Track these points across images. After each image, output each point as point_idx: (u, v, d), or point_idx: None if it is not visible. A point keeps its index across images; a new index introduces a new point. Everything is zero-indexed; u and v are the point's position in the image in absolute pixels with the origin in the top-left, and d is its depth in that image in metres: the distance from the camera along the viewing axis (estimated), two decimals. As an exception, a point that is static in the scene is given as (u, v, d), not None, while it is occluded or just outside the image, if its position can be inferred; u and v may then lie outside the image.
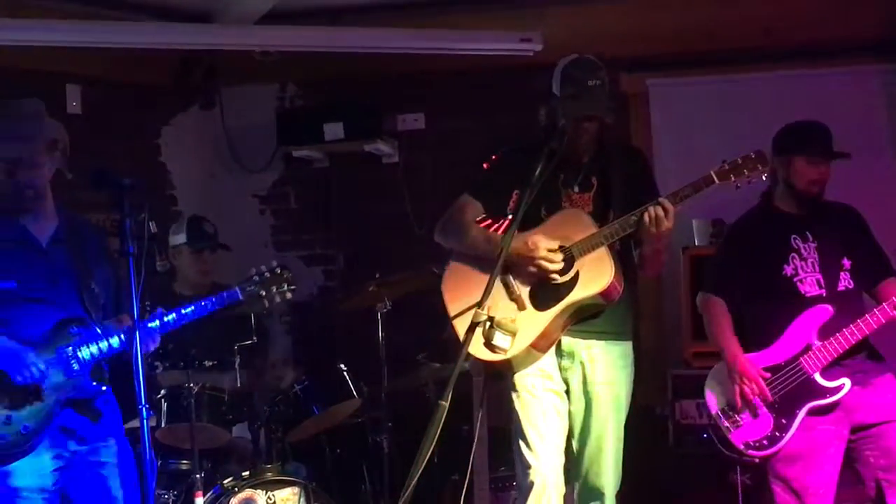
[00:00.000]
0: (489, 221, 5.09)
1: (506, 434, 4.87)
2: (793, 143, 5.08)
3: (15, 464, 4.24)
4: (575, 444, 4.76)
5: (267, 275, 4.61)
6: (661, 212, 4.47)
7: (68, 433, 4.36)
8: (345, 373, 6.21)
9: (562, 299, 4.62)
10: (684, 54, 7.05)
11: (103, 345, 4.33)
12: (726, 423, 5.07)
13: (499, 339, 4.32)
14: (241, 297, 4.55)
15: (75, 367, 4.32)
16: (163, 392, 5.68)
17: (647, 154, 6.81)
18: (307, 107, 7.74)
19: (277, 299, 4.63)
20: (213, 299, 4.52)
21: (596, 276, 4.60)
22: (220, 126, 7.84)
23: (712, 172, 4.55)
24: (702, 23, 6.74)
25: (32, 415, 4.26)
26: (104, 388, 4.38)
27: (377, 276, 6.27)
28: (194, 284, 6.21)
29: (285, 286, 4.62)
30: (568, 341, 4.72)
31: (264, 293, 4.59)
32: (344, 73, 7.45)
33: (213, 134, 7.87)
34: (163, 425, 5.65)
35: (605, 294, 4.61)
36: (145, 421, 4.04)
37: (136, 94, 7.23)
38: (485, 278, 4.43)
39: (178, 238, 6.36)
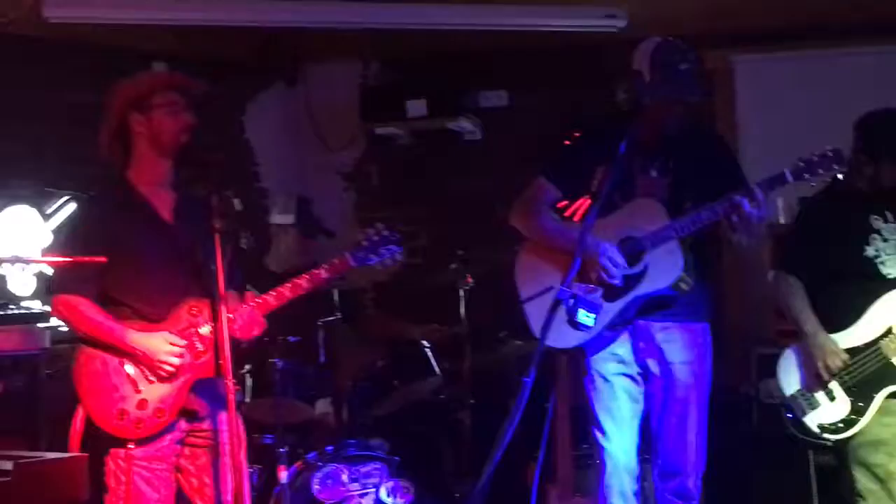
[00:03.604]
0: (566, 203, 5.07)
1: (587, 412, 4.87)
2: (885, 148, 4.89)
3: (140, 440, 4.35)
4: (655, 424, 4.74)
5: (375, 238, 4.59)
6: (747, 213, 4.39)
7: (188, 414, 4.44)
8: (427, 350, 6.23)
9: (629, 292, 4.59)
10: (771, 30, 6.94)
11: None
12: (802, 405, 5.01)
13: (582, 316, 4.30)
14: (352, 263, 4.53)
15: (201, 347, 4.40)
16: (247, 367, 5.74)
17: (731, 136, 6.79)
18: (390, 84, 7.74)
19: (389, 262, 4.60)
20: (326, 268, 4.53)
21: (665, 270, 4.55)
22: (303, 103, 7.88)
23: (786, 171, 4.45)
24: (789, -3, 6.63)
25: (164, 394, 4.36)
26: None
27: (460, 253, 6.27)
28: (291, 263, 6.21)
29: (394, 247, 4.60)
30: (644, 324, 4.68)
31: (374, 256, 4.57)
32: (427, 50, 7.45)
33: (297, 111, 7.91)
34: (247, 400, 5.72)
35: (673, 288, 4.57)
36: (232, 395, 4.10)
37: (221, 71, 7.27)
38: (558, 262, 4.41)
39: (286, 218, 6.38)
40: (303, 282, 4.49)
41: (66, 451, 4.64)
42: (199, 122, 4.46)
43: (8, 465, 3.55)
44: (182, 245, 4.39)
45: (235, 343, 4.32)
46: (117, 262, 4.34)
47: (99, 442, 4.37)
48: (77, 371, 4.39)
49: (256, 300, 4.45)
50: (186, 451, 4.48)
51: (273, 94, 7.87)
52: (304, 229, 6.43)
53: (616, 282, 4.54)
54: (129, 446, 4.32)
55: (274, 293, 4.46)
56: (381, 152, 7.85)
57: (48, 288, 4.78)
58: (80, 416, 4.46)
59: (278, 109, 7.88)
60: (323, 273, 4.51)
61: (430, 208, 7.71)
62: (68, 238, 4.70)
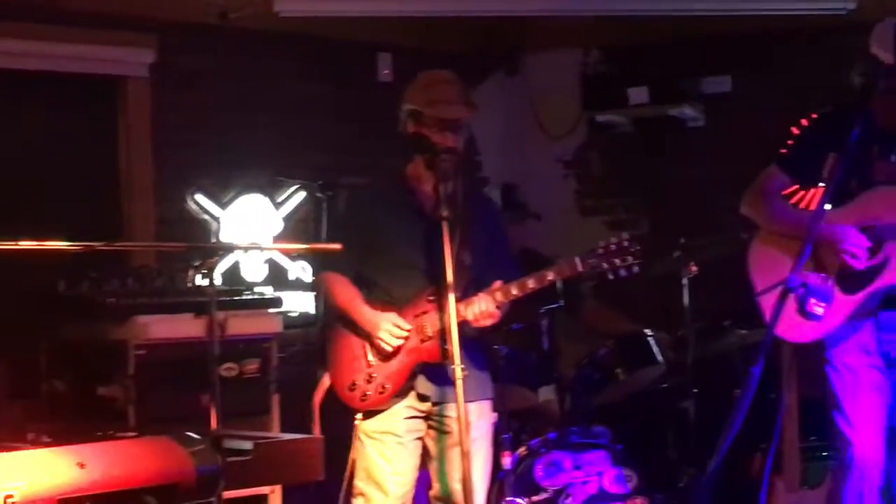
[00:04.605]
0: (796, 188, 4.96)
1: (816, 403, 4.76)
2: None
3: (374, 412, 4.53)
4: (898, 418, 4.60)
5: (612, 247, 4.44)
6: None
7: (419, 396, 4.56)
8: (650, 338, 6.20)
9: (870, 284, 4.46)
10: None
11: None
12: None
13: (813, 305, 4.20)
14: (581, 269, 4.48)
15: (429, 332, 4.50)
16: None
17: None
18: (611, 71, 7.71)
19: (623, 273, 4.42)
20: (555, 271, 4.46)
21: None
22: (524, 92, 7.92)
23: None
24: None
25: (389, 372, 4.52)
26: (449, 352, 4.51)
27: (682, 241, 6.21)
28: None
29: (630, 259, 4.42)
30: (889, 314, 4.52)
31: (606, 266, 4.45)
32: (648, 36, 7.40)
33: (518, 100, 7.96)
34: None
35: None
36: (459, 381, 4.17)
37: (443, 61, 7.32)
38: (795, 252, 4.31)
39: None
40: (530, 282, 4.51)
41: (298, 430, 4.85)
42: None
43: (248, 445, 3.70)
44: (439, 236, 4.45)
45: (464, 329, 4.38)
46: (376, 246, 4.56)
47: (335, 409, 4.64)
48: (329, 340, 4.68)
49: (494, 293, 4.50)
50: (432, 433, 4.62)
51: (493, 83, 7.92)
52: (512, 216, 6.49)
53: (862, 266, 4.42)
54: (358, 416, 4.54)
55: (501, 290, 4.50)
56: (602, 140, 7.83)
57: (315, 265, 5.00)
58: (323, 383, 4.68)
59: (499, 99, 7.92)
60: (550, 275, 4.51)
61: (651, 196, 7.65)
62: (336, 220, 4.93)
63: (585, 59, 7.84)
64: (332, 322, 4.75)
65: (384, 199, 4.69)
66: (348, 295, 4.61)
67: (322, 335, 4.86)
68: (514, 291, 4.48)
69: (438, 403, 4.56)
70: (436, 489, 4.67)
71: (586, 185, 7.95)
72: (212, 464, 3.26)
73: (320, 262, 4.86)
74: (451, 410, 4.53)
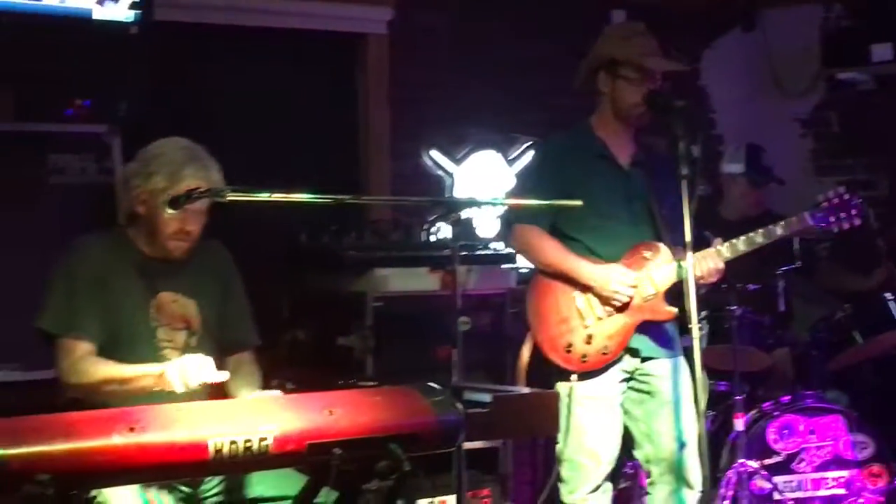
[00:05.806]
0: None
1: None
2: None
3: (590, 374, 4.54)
4: None
5: (835, 200, 4.54)
6: None
7: (631, 352, 4.55)
8: (889, 302, 6.03)
9: None
10: None
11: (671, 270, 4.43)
12: None
13: None
14: (811, 223, 4.52)
15: (652, 290, 4.49)
16: (704, 313, 5.75)
17: None
18: (853, 27, 7.48)
19: (846, 225, 4.54)
20: (783, 226, 4.54)
21: None
22: (761, 48, 7.76)
23: None
24: None
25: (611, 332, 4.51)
26: (674, 311, 4.49)
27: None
28: (742, 212, 6.23)
29: (854, 212, 4.53)
30: None
31: (833, 219, 4.53)
32: (894, -11, 7.17)
33: (754, 56, 7.80)
34: (704, 346, 5.74)
35: None
36: (696, 340, 4.15)
37: (678, 17, 7.27)
38: None
39: (735, 167, 6.42)
40: (757, 237, 4.48)
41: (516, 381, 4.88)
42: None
43: (487, 398, 3.75)
44: (637, 191, 4.47)
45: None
46: (575, 199, 4.49)
47: (545, 372, 4.61)
48: (531, 300, 4.66)
49: (717, 248, 4.48)
50: (633, 395, 4.59)
51: (730, 40, 7.79)
52: (753, 178, 6.41)
53: None
54: (572, 378, 4.52)
55: (728, 245, 4.48)
56: (842, 98, 7.61)
57: (508, 218, 5.03)
58: (528, 345, 4.69)
59: (735, 56, 7.79)
60: (778, 231, 4.50)
61: (891, 156, 7.42)
62: (528, 176, 4.94)
63: (826, 14, 7.62)
64: (533, 279, 4.72)
65: (577, 151, 4.65)
66: (559, 249, 4.56)
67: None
68: (742, 247, 4.46)
69: (648, 359, 4.54)
70: (648, 450, 4.63)
71: (824, 145, 7.75)
72: (453, 414, 3.31)
73: (514, 214, 4.82)
74: (658, 368, 4.53)
